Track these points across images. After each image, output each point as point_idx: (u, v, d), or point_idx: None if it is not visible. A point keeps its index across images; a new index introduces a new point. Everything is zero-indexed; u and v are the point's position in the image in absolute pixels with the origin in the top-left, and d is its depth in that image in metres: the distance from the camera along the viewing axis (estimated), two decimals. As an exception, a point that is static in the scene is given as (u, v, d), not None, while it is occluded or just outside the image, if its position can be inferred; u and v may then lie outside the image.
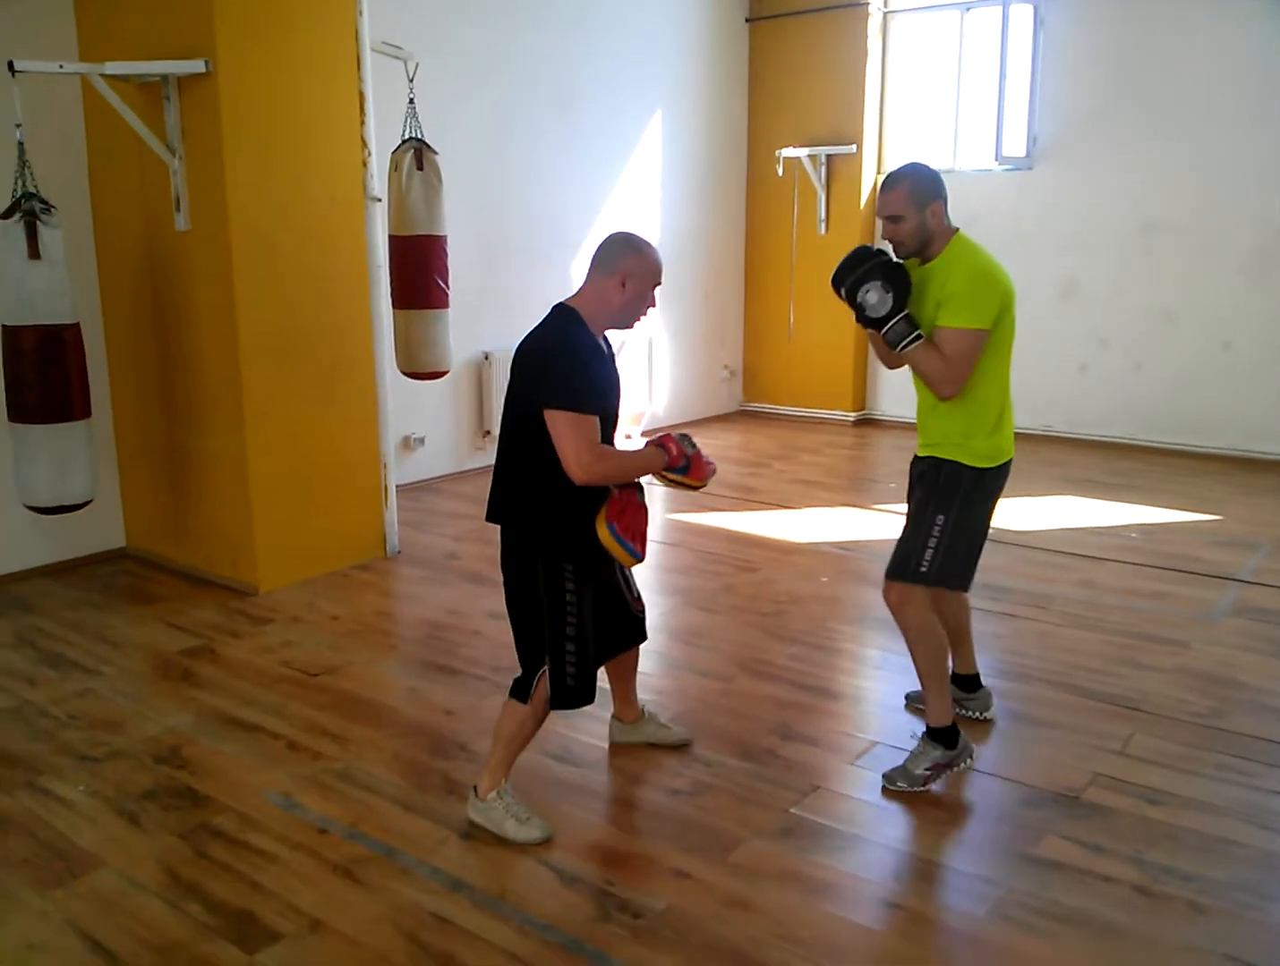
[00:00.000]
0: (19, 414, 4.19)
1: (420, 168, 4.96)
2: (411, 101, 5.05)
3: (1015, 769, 3.27)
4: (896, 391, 8.82)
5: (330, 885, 2.70)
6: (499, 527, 2.89)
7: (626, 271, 2.79)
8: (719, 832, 2.91)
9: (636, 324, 2.94)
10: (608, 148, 7.83)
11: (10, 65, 3.99)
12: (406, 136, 5.01)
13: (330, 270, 4.82)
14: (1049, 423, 8.08)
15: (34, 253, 4.05)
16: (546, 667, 2.85)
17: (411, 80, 5.07)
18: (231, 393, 4.63)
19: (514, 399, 2.80)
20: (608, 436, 2.86)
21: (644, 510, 2.93)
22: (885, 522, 5.94)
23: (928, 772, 3.08)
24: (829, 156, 8.60)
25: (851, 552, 5.44)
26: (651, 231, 8.31)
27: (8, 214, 4.04)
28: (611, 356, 2.94)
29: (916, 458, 3.21)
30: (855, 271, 2.93)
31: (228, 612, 4.59)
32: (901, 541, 3.10)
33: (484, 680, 3.90)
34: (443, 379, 5.48)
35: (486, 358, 7.00)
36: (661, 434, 2.92)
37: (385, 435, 5.20)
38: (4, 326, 4.13)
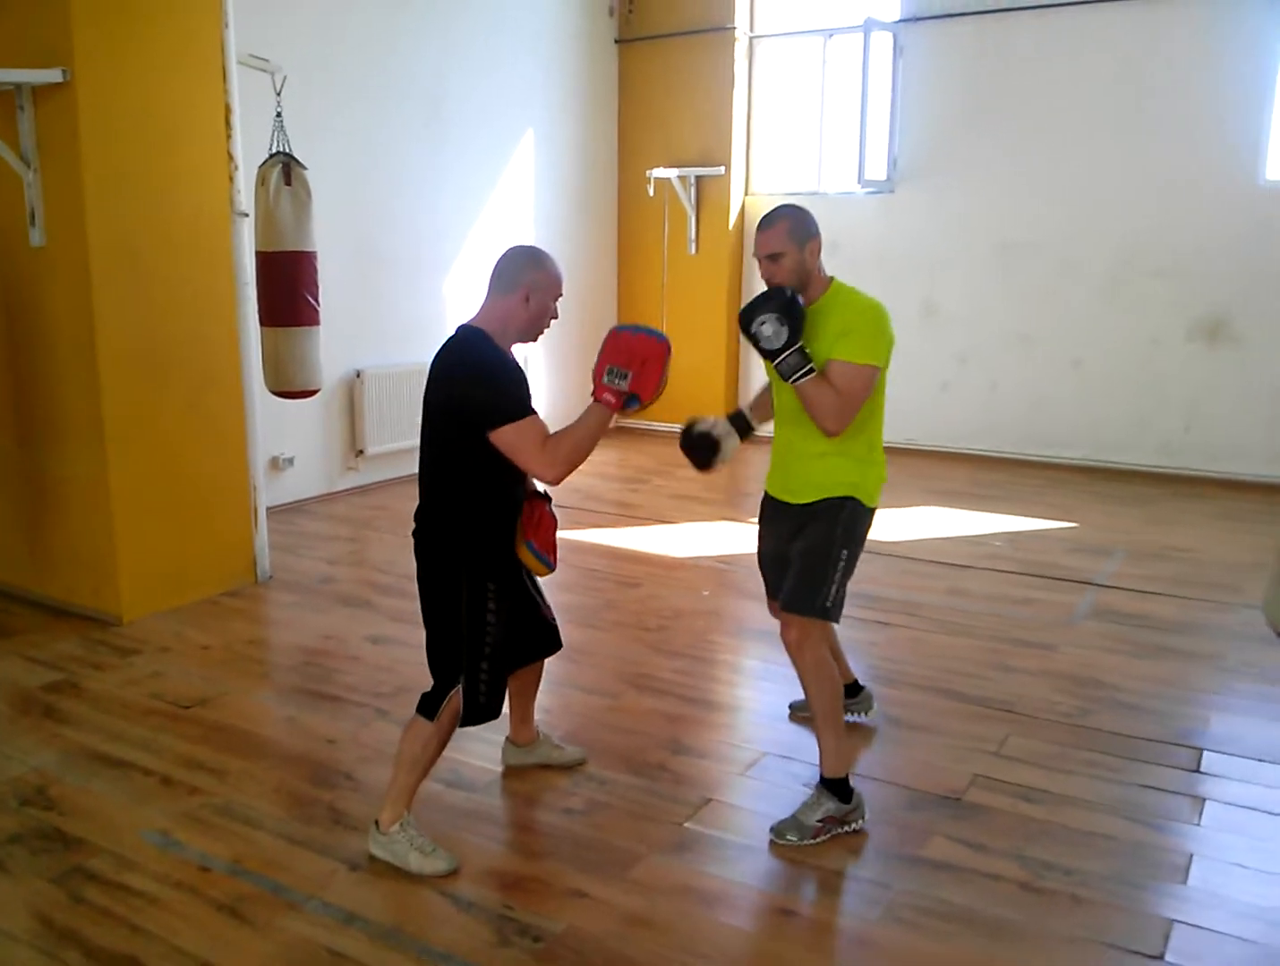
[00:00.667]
0: None
1: (288, 183, 4.84)
2: (279, 115, 4.93)
3: (897, 773, 3.35)
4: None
5: (216, 925, 2.59)
6: (415, 548, 2.87)
7: (529, 285, 2.79)
8: (615, 850, 2.91)
9: (540, 336, 2.92)
10: (479, 163, 7.80)
11: None
12: (274, 150, 4.90)
13: (196, 286, 4.66)
14: (912, 437, 8.35)
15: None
16: (460, 685, 2.82)
17: (279, 93, 4.96)
18: (91, 414, 4.42)
19: (433, 424, 2.78)
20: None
21: (554, 520, 2.97)
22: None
23: (819, 824, 2.94)
24: (698, 177, 8.73)
25: (731, 567, 5.51)
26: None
27: None
28: (521, 370, 2.92)
29: (789, 505, 3.13)
30: (755, 306, 2.95)
31: (90, 644, 4.38)
32: (801, 577, 3.01)
33: (365, 706, 3.81)
34: (313, 398, 5.37)
35: (359, 375, 6.87)
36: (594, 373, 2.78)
37: (254, 456, 5.05)
38: None
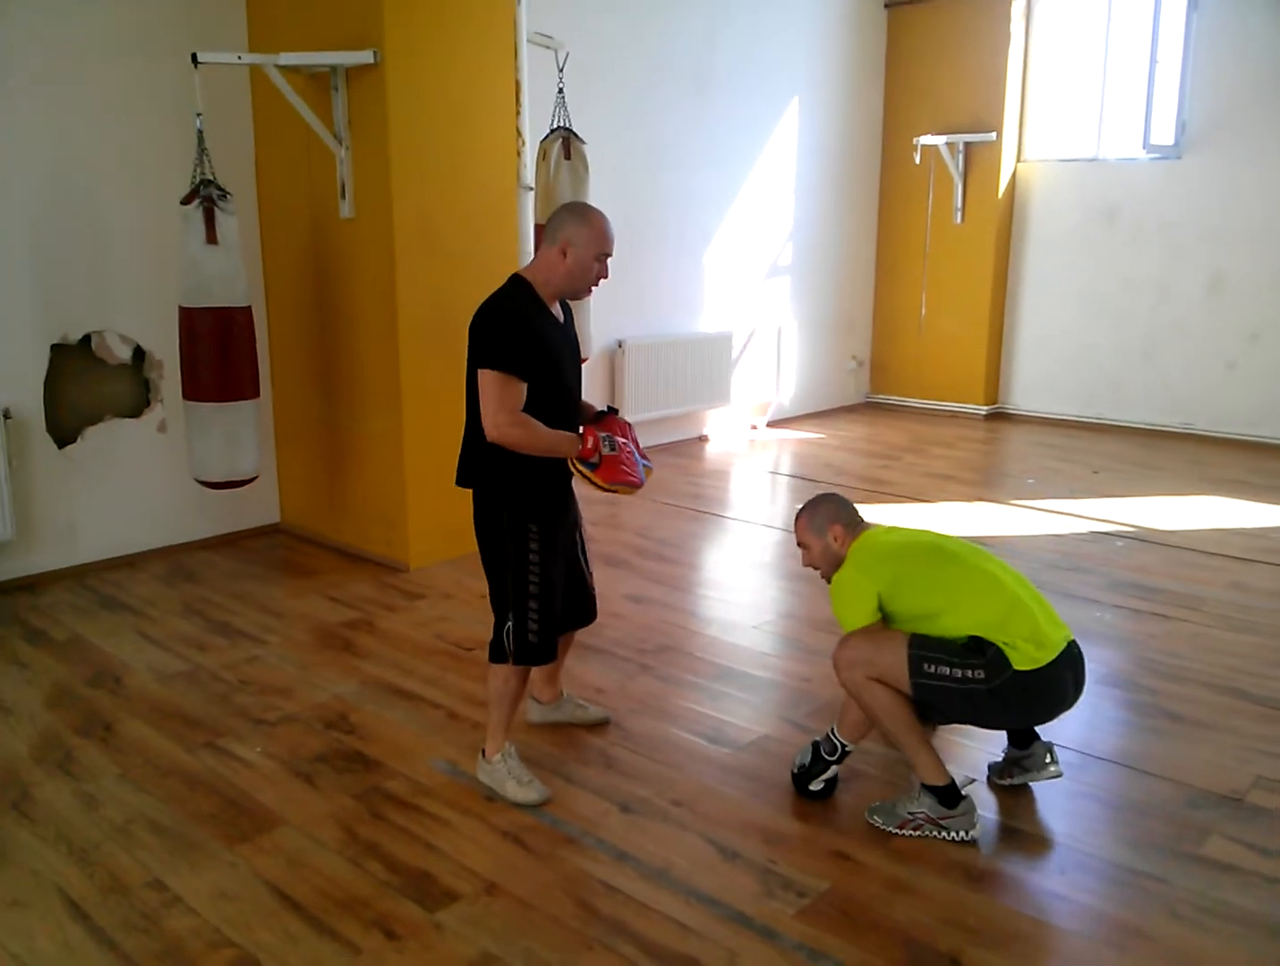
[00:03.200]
0: (194, 391, 4.40)
1: (568, 157, 5.05)
2: (560, 91, 5.13)
3: (1176, 769, 3.21)
4: (1031, 384, 8.67)
5: (501, 850, 2.80)
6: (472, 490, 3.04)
7: (567, 240, 2.87)
8: (877, 818, 2.94)
9: (588, 292, 3.00)
10: (743, 134, 7.84)
11: (194, 57, 4.19)
12: (555, 126, 5.10)
13: (484, 258, 4.92)
14: (1189, 421, 7.84)
15: (212, 238, 4.25)
16: (510, 624, 2.97)
17: (561, 69, 5.16)
18: (389, 375, 4.79)
19: (469, 364, 2.92)
20: (565, 401, 3.00)
21: (625, 451, 3.01)
22: (1023, 518, 5.86)
23: (910, 816, 2.87)
24: (967, 144, 8.47)
25: (991, 547, 5.35)
26: (783, 219, 8.31)
27: (188, 199, 4.25)
28: (567, 324, 3.05)
29: None
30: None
31: (382, 587, 4.77)
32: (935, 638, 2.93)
33: (629, 661, 3.97)
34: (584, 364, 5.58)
35: (620, 345, 7.08)
36: (597, 424, 2.96)
37: (529, 419, 5.31)
38: (182, 308, 4.35)
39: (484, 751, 3.11)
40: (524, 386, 2.83)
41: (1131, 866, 2.73)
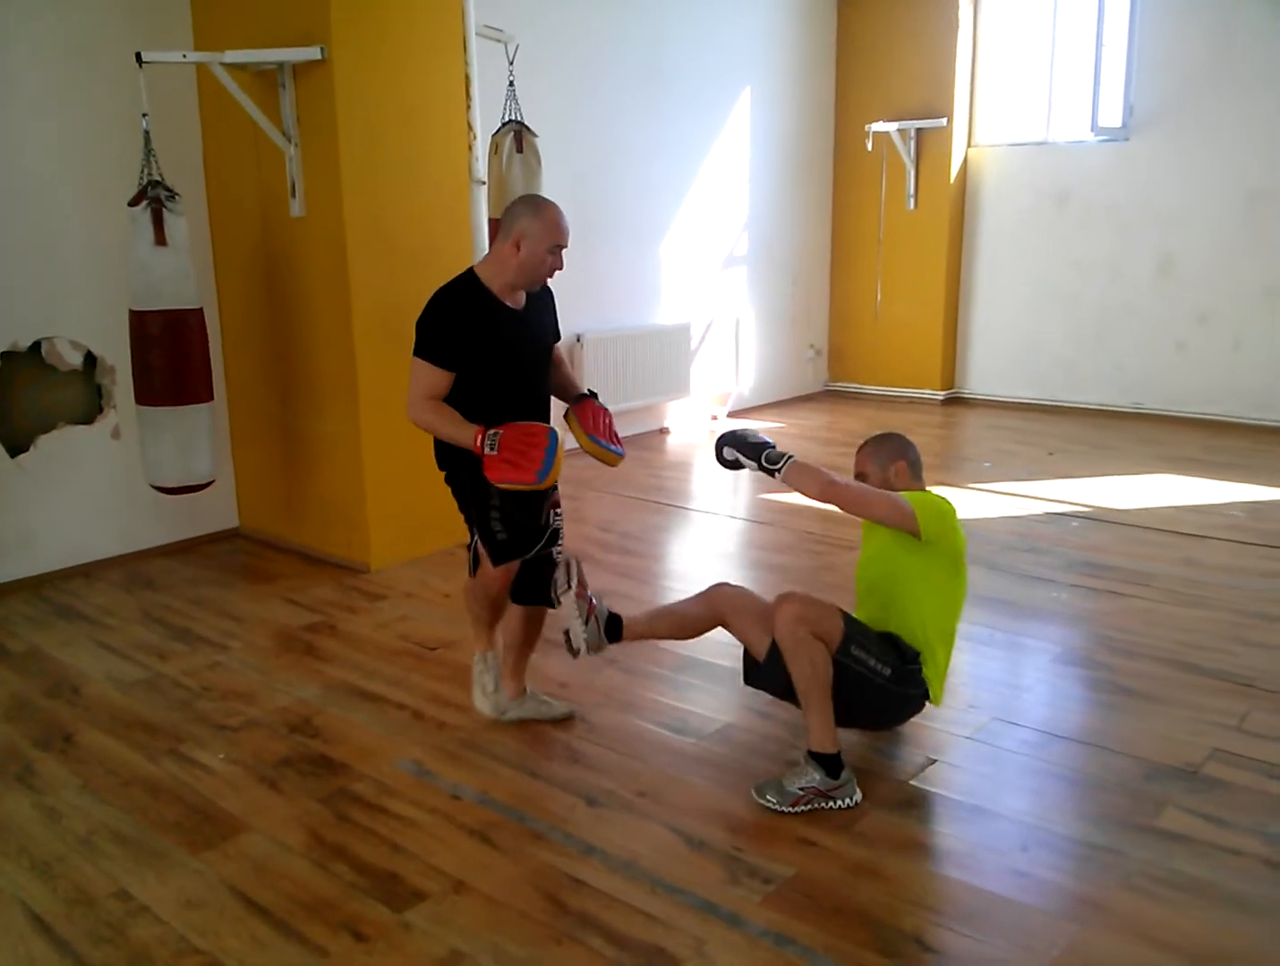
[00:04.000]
0: (146, 396, 4.36)
1: (520, 150, 5.03)
2: (511, 83, 5.11)
3: (1130, 743, 3.27)
4: (986, 369, 8.76)
5: (468, 848, 2.81)
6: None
7: (520, 232, 2.94)
8: (841, 803, 2.97)
9: (543, 283, 3.10)
10: (696, 124, 7.87)
11: (138, 56, 4.14)
12: (506, 119, 5.08)
13: (438, 253, 4.91)
14: (1140, 401, 7.96)
15: (160, 239, 4.21)
16: (477, 532, 3.13)
17: (512, 62, 5.13)
18: (346, 375, 4.76)
19: None
20: (510, 389, 3.08)
21: (608, 413, 3.30)
22: (981, 500, 5.93)
23: (801, 792, 2.90)
24: (918, 131, 8.54)
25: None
26: (738, 209, 8.34)
27: (135, 201, 4.20)
28: (529, 313, 3.12)
29: None
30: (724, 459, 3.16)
31: (343, 589, 4.75)
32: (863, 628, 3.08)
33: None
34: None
35: (579, 339, 7.07)
36: (503, 426, 2.96)
37: (487, 415, 5.30)
38: (132, 311, 4.30)
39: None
40: (445, 375, 2.97)
41: (1089, 840, 2.78)
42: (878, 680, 2.96)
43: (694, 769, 3.19)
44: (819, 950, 2.38)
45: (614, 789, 3.07)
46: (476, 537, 3.16)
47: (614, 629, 3.24)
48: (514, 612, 3.39)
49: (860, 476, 3.18)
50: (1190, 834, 2.79)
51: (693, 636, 3.37)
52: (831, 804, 2.92)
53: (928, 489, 3.18)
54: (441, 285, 3.07)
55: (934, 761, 3.19)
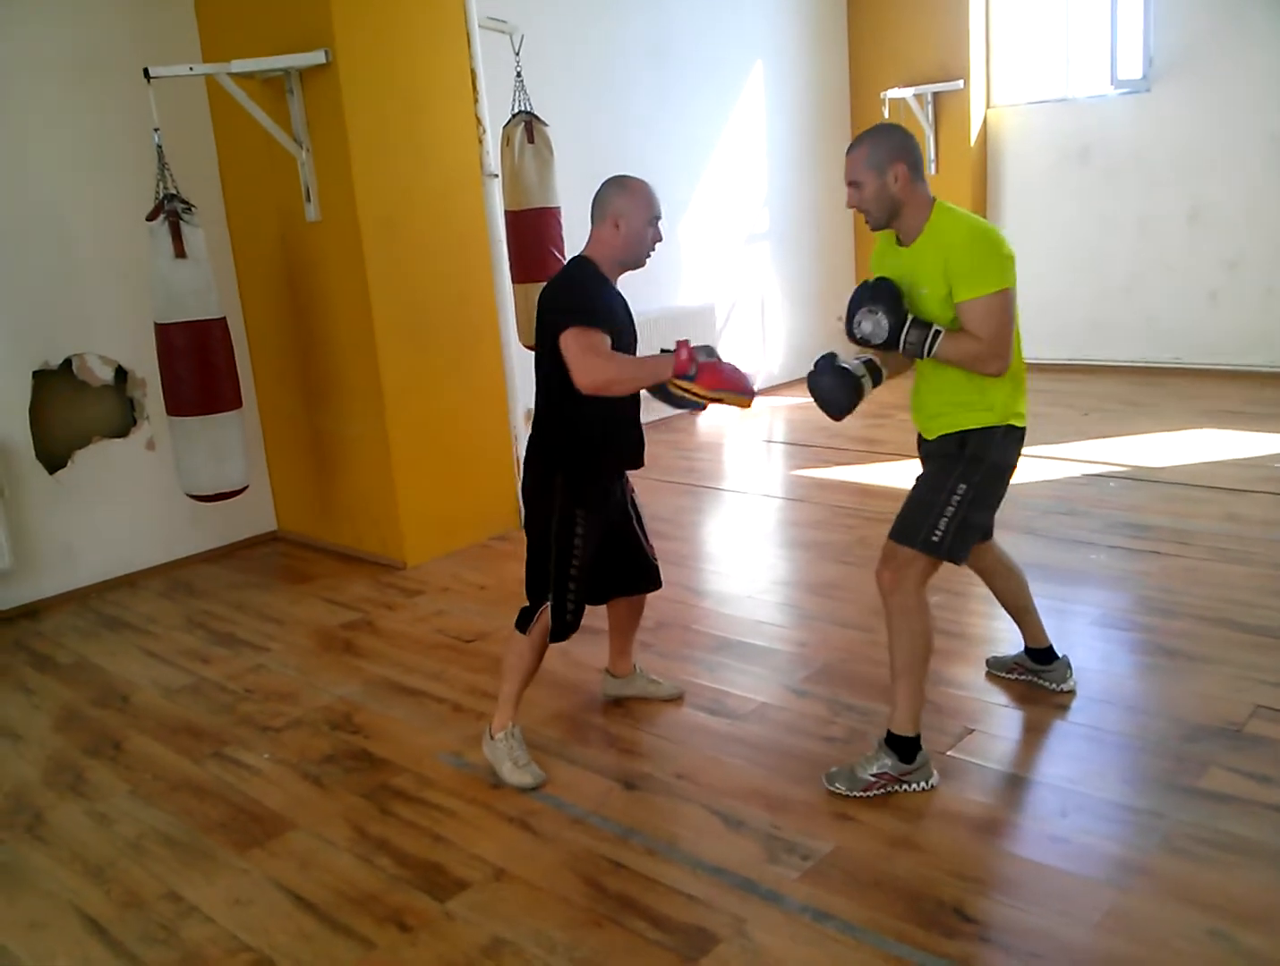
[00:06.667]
0: (177, 407, 4.42)
1: (531, 141, 5.03)
2: (519, 74, 5.12)
3: (1172, 704, 3.24)
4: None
5: (508, 836, 2.84)
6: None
7: (616, 212, 2.90)
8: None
9: (646, 260, 3.00)
10: (708, 102, 7.81)
11: (145, 72, 4.18)
12: (516, 110, 5.09)
13: (454, 250, 4.94)
14: (1178, 355, 7.82)
15: (180, 252, 4.26)
16: (550, 602, 3.02)
17: (518, 52, 5.14)
18: (370, 376, 4.80)
19: (540, 342, 2.94)
20: None
21: (725, 364, 2.78)
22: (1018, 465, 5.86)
23: (873, 778, 2.84)
24: (935, 95, 8.42)
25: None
26: (757, 185, 8.29)
27: (153, 215, 4.25)
28: (626, 306, 3.04)
29: (925, 441, 3.01)
30: (849, 313, 2.82)
31: (380, 587, 4.80)
32: (909, 506, 2.89)
33: (630, 639, 4.00)
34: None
35: (603, 325, 7.06)
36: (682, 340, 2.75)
37: (514, 407, 5.33)
38: (157, 324, 4.36)
39: (490, 726, 3.16)
40: (605, 335, 2.80)
41: (1130, 804, 2.76)
42: (968, 499, 2.80)
43: (731, 749, 3.20)
44: (858, 924, 2.39)
45: (651, 772, 3.09)
46: (550, 603, 3.03)
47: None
48: (617, 604, 3.41)
49: (854, 185, 2.76)
50: (1234, 793, 2.76)
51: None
52: (906, 788, 2.86)
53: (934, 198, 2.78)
54: (560, 272, 3.01)
55: (971, 731, 3.18)
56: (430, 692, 3.72)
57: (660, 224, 2.98)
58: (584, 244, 2.99)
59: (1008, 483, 3.01)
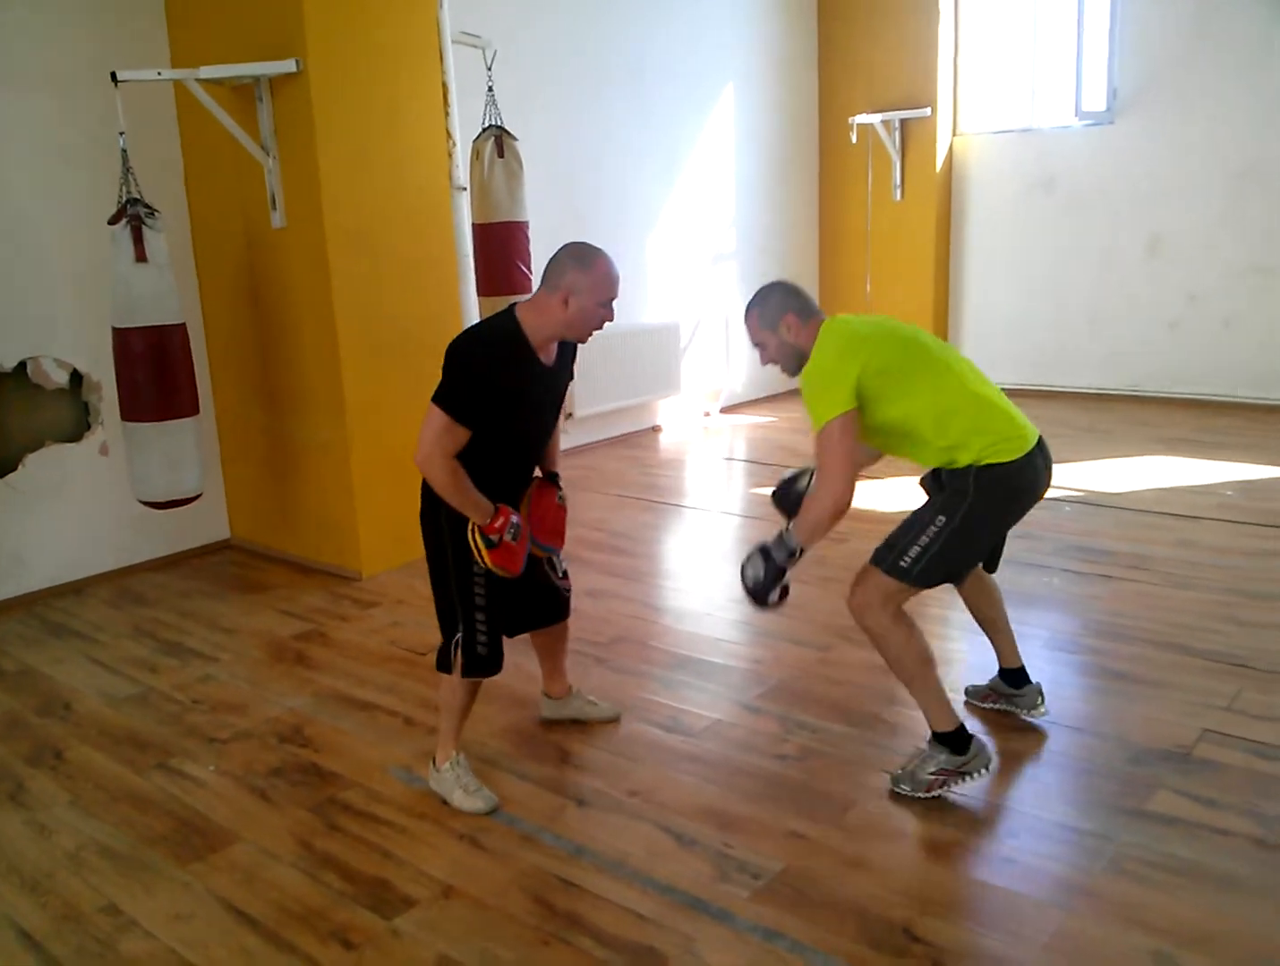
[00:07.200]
0: (132, 412, 4.36)
1: (501, 155, 5.03)
2: (490, 89, 5.12)
3: (1121, 727, 3.26)
4: (978, 355, 8.72)
5: (457, 852, 2.80)
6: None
7: (569, 289, 2.73)
8: (831, 796, 2.96)
9: (589, 336, 2.86)
10: (680, 124, 7.85)
11: (113, 75, 4.14)
12: (486, 124, 5.09)
13: (421, 261, 4.92)
14: (1136, 382, 7.94)
15: (140, 256, 4.21)
16: (460, 635, 2.93)
17: (490, 67, 5.14)
18: (332, 385, 4.76)
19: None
20: (515, 453, 2.96)
21: (562, 510, 3.12)
22: (974, 489, 5.91)
23: (933, 777, 2.89)
24: (903, 121, 8.52)
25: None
26: (724, 206, 8.33)
27: (115, 219, 4.21)
28: (559, 368, 2.95)
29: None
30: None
31: (334, 597, 4.75)
32: (893, 533, 2.95)
33: (584, 654, 3.97)
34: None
35: (567, 340, 7.05)
36: (512, 509, 2.87)
37: (475, 420, 5.30)
38: (115, 329, 4.30)
39: (434, 759, 3.11)
40: (466, 432, 2.73)
41: (1079, 826, 2.78)
42: (945, 532, 2.81)
43: (685, 766, 3.18)
44: (808, 944, 2.38)
45: (604, 788, 3.07)
46: (459, 636, 2.94)
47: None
48: (535, 633, 3.34)
49: (759, 347, 2.97)
50: (1181, 816, 2.78)
51: None
52: (968, 779, 2.90)
53: (824, 315, 2.94)
54: (480, 326, 2.90)
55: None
56: (382, 705, 3.68)
57: (614, 304, 2.82)
58: (531, 296, 2.85)
59: (1000, 525, 3.02)
